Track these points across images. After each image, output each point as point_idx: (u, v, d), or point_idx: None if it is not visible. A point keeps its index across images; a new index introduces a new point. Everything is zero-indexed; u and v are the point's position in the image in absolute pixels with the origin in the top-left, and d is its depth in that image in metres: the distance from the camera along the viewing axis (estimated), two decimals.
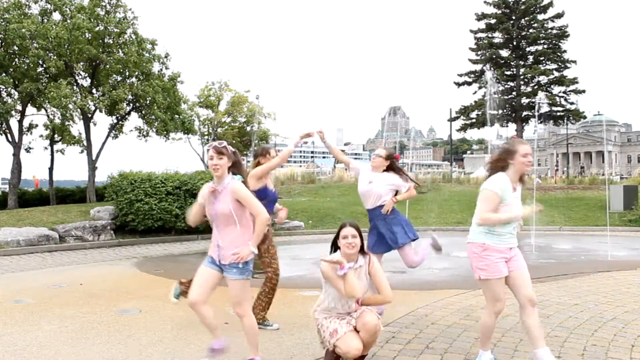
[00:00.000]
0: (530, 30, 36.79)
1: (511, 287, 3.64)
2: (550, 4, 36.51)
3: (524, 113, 36.71)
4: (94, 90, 17.22)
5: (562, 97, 36.95)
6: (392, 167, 5.05)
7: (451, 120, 38.47)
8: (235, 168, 3.71)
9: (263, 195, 4.58)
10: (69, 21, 16.04)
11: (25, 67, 16.28)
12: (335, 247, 3.73)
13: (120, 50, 17.24)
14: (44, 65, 16.17)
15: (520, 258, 3.67)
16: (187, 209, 13.93)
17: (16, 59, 16.28)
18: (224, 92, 32.23)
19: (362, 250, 3.68)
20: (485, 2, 37.72)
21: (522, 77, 36.65)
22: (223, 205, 3.61)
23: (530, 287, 3.64)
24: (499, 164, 3.64)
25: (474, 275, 3.67)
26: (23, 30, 14.61)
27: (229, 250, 3.63)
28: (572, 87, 36.43)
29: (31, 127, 19.02)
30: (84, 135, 18.15)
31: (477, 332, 4.56)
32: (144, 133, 19.10)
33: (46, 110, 18.05)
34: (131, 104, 17.86)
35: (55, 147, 19.66)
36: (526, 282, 3.62)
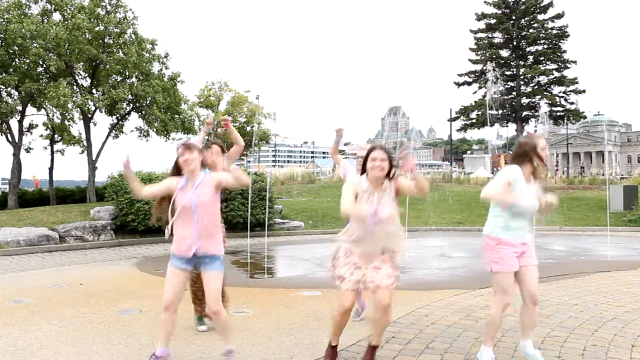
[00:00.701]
0: (530, 30, 36.79)
1: (518, 282, 3.71)
2: (550, 4, 36.52)
3: (524, 113, 36.73)
4: (93, 90, 17.22)
5: (562, 97, 36.97)
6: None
7: (451, 120, 38.47)
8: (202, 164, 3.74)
9: None
10: (69, 21, 16.05)
11: (26, 67, 16.29)
12: (364, 170, 3.60)
13: (120, 50, 17.24)
14: (44, 65, 16.18)
15: (532, 255, 3.74)
16: None
17: (16, 59, 16.28)
18: (224, 92, 32.25)
19: (388, 176, 3.53)
20: (485, 2, 37.74)
21: (522, 77, 36.66)
22: (204, 196, 3.56)
23: (536, 286, 3.71)
24: (520, 159, 3.68)
25: (487, 267, 3.73)
26: (23, 30, 14.61)
27: (209, 241, 3.57)
28: (572, 87, 36.44)
29: (31, 127, 19.02)
30: (84, 135, 18.15)
31: (477, 332, 4.57)
32: (144, 133, 19.11)
33: (46, 110, 18.05)
34: (131, 104, 17.87)
35: (55, 147, 19.67)
36: (533, 279, 3.69)
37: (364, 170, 3.59)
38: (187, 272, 3.65)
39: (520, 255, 3.69)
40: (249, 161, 54.16)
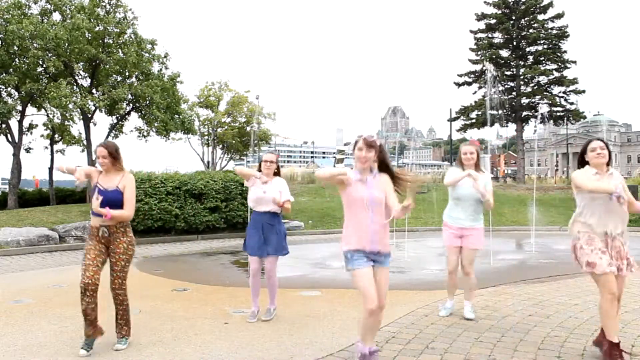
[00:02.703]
0: (530, 31, 36.75)
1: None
2: (550, 4, 36.48)
3: (524, 113, 36.70)
4: (93, 90, 17.22)
5: (562, 97, 36.94)
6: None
7: (451, 120, 38.40)
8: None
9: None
10: (68, 21, 16.04)
11: (26, 67, 16.29)
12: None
13: (119, 50, 17.25)
14: (44, 66, 16.18)
15: (472, 240, 4.95)
16: (186, 209, 13.81)
17: (16, 59, 16.28)
18: (223, 92, 32.25)
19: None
20: (485, 2, 37.71)
21: (522, 77, 36.62)
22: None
23: (468, 263, 4.99)
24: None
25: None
26: (23, 30, 14.61)
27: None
28: (572, 87, 36.38)
29: (31, 127, 19.04)
30: (84, 135, 18.16)
31: (477, 332, 4.57)
32: (144, 133, 19.12)
33: (46, 110, 18.06)
34: (131, 104, 17.87)
35: (55, 147, 19.69)
36: (465, 258, 5.01)
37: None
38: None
39: (464, 237, 4.92)
40: (248, 161, 54.13)
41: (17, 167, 16.94)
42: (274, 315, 5.14)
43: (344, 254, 3.48)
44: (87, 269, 4.14)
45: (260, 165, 5.16)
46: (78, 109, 16.51)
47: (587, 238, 3.71)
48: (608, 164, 3.76)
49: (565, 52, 36.91)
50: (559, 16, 36.99)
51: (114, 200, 4.15)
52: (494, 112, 30.99)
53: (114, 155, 4.24)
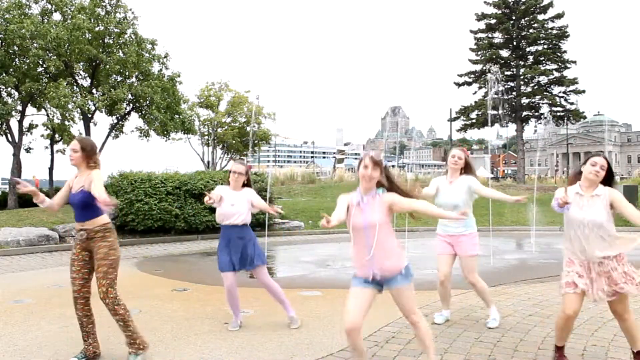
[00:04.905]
0: (530, 31, 36.77)
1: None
2: (550, 4, 36.50)
3: (524, 113, 36.72)
4: (93, 90, 17.22)
5: (562, 97, 36.97)
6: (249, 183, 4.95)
7: (451, 120, 38.41)
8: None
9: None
10: (69, 21, 16.05)
11: (26, 67, 16.29)
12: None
13: (120, 50, 17.25)
14: (44, 66, 16.18)
15: (464, 247, 4.84)
16: (186, 209, 13.78)
17: (17, 59, 16.29)
18: (224, 93, 32.23)
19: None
20: (485, 2, 37.72)
21: (522, 77, 36.63)
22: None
23: (470, 272, 4.89)
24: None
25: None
26: (23, 30, 14.61)
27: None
28: (572, 87, 36.42)
29: (31, 127, 19.03)
30: (84, 136, 18.15)
31: (477, 332, 4.57)
32: (144, 133, 19.12)
33: (46, 111, 18.06)
34: (131, 104, 17.87)
35: (56, 147, 19.67)
36: (466, 267, 4.94)
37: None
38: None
39: (455, 245, 4.81)
40: (248, 161, 54.16)
41: (17, 167, 16.93)
42: (298, 320, 4.92)
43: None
44: (74, 282, 3.93)
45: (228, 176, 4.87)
46: (78, 109, 16.51)
47: (567, 260, 3.72)
48: (606, 183, 3.63)
49: (565, 52, 36.93)
50: (559, 16, 37.01)
51: (78, 202, 3.85)
52: (494, 112, 30.96)
53: (86, 151, 3.90)
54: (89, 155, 3.92)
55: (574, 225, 3.60)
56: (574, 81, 36.32)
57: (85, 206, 3.85)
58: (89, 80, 17.67)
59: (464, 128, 39.34)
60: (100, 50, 16.56)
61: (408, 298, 3.29)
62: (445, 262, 4.86)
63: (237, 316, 4.92)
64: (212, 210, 12.74)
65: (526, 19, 37.06)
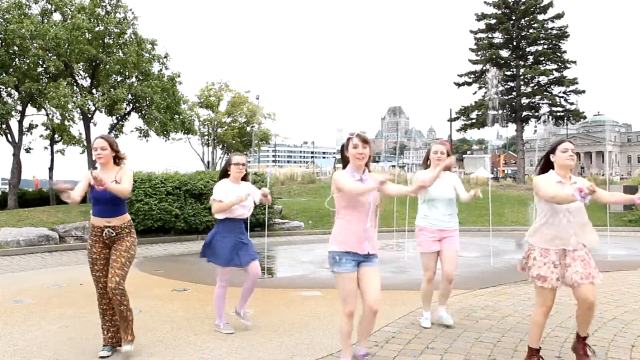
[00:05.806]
0: (530, 31, 36.73)
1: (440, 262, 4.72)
2: (550, 4, 36.47)
3: (524, 113, 36.70)
4: (93, 91, 17.23)
5: (562, 97, 36.94)
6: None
7: (451, 120, 38.40)
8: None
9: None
10: (69, 21, 16.05)
11: (26, 67, 16.30)
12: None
13: (120, 50, 17.26)
14: (44, 66, 16.19)
15: (452, 241, 4.72)
16: (186, 209, 13.78)
17: (16, 59, 16.29)
18: (224, 93, 32.24)
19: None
20: (485, 2, 37.69)
21: (522, 77, 36.61)
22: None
23: (452, 267, 4.67)
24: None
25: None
26: (23, 30, 14.62)
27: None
28: (572, 88, 36.39)
29: (31, 127, 19.04)
30: (84, 136, 18.16)
31: (477, 332, 4.57)
32: (144, 133, 19.13)
33: (46, 111, 18.06)
34: (131, 104, 17.88)
35: (55, 147, 19.69)
36: (449, 261, 4.71)
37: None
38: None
39: (445, 239, 4.65)
40: (249, 161, 54.15)
41: (17, 167, 16.94)
42: (250, 313, 5.06)
43: (331, 255, 3.43)
44: (99, 280, 3.99)
45: (225, 170, 4.76)
46: (78, 109, 16.51)
47: (542, 250, 3.61)
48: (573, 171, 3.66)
49: (565, 52, 36.92)
50: (559, 16, 37.01)
51: (110, 198, 3.85)
52: (494, 112, 30.95)
53: (113, 147, 4.01)
54: (116, 151, 4.05)
55: (562, 212, 3.56)
56: (574, 81, 36.31)
57: (116, 202, 3.93)
58: (88, 80, 17.68)
59: (463, 128, 39.32)
60: (100, 50, 16.57)
61: (379, 277, 3.47)
62: (434, 259, 4.72)
63: (224, 318, 4.81)
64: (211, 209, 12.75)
65: (526, 19, 37.05)
